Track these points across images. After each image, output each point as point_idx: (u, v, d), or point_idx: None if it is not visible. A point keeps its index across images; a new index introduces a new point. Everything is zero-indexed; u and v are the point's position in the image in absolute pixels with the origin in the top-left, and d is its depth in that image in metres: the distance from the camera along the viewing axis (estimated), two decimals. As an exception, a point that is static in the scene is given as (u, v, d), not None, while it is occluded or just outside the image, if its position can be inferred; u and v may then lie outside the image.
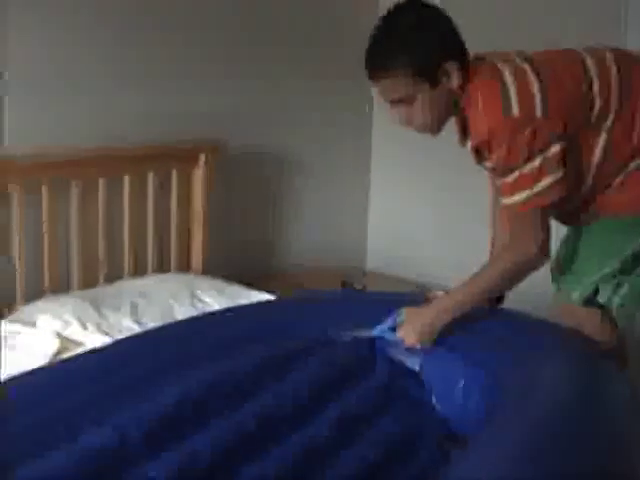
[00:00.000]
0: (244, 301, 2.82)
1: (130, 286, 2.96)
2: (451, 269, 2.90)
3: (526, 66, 1.99)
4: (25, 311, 2.69)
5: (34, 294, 2.81)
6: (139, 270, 3.16)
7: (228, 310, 2.56)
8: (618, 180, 2.05)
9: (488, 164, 2.04)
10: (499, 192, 2.06)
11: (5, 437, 1.64)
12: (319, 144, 3.78)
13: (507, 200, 2.01)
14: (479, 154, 2.04)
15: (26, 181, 2.76)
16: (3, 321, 2.56)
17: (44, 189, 2.80)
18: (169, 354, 2.11)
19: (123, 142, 3.03)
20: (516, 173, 1.95)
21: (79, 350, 2.40)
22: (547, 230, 2.01)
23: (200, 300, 2.89)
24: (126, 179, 3.04)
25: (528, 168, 1.93)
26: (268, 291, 2.98)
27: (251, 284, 3.10)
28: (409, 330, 2.12)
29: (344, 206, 4.01)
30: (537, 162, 1.92)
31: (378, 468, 1.78)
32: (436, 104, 2.00)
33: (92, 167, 2.94)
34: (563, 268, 2.20)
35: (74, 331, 2.56)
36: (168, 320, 2.61)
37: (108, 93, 3.01)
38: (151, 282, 3.02)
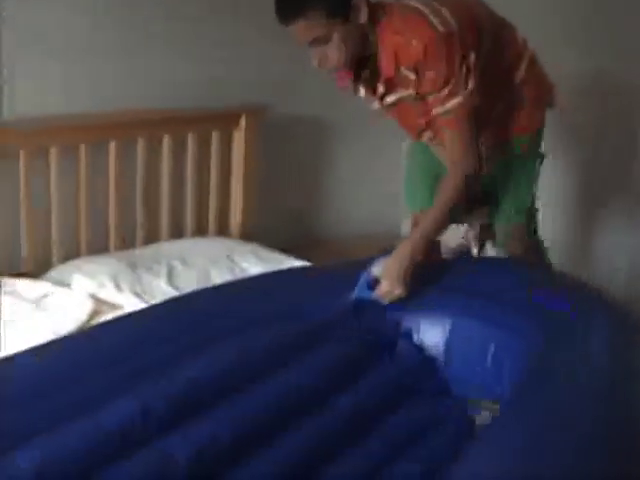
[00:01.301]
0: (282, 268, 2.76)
1: (167, 249, 2.92)
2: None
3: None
4: (60, 271, 2.67)
5: (71, 257, 2.78)
6: (177, 233, 3.12)
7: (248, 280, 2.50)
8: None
9: (409, 90, 2.14)
10: (431, 106, 2.14)
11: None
12: (361, 111, 3.69)
13: (440, 109, 2.12)
14: (390, 85, 2.16)
15: (64, 140, 2.72)
16: (37, 281, 2.53)
17: (82, 148, 2.76)
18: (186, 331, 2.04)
19: (164, 105, 2.98)
20: (452, 81, 2.07)
21: (113, 313, 2.36)
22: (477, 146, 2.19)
23: (238, 266, 2.84)
24: (165, 140, 2.99)
25: (460, 75, 2.08)
26: (306, 259, 2.92)
27: (290, 251, 3.04)
28: (388, 284, 2.11)
29: (382, 173, 3.92)
30: (464, 68, 2.08)
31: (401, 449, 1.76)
32: (350, 39, 2.06)
33: (131, 128, 2.90)
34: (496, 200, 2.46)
35: (109, 293, 2.53)
36: (204, 285, 2.56)
37: (156, 58, 2.98)
38: (189, 245, 2.97)
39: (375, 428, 1.81)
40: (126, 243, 2.95)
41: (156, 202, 3.03)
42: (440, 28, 2.03)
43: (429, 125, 2.29)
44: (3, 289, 2.41)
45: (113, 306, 2.46)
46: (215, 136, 3.12)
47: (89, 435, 1.53)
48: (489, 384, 2.01)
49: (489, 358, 2.03)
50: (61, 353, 1.91)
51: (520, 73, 2.32)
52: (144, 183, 2.97)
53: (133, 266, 2.70)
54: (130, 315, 2.19)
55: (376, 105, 2.28)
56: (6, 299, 2.35)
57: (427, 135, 2.37)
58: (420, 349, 2.11)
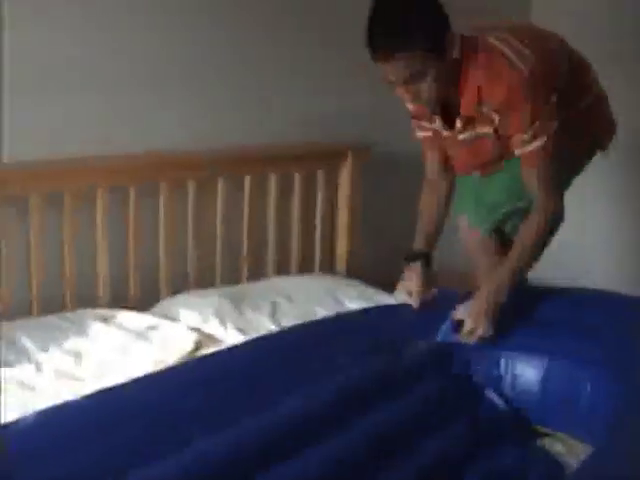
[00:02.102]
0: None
1: (273, 285, 2.93)
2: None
3: (505, 34, 2.10)
4: (167, 304, 2.71)
5: (179, 290, 2.83)
6: (283, 268, 3.13)
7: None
8: None
9: (488, 128, 2.12)
10: (515, 146, 2.11)
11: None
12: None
13: (522, 150, 2.09)
14: (469, 122, 2.13)
15: (176, 176, 2.79)
16: (143, 314, 2.57)
17: (190, 185, 2.82)
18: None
19: (271, 140, 3.02)
20: (536, 124, 2.05)
21: (215, 348, 2.38)
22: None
23: (343, 305, 2.82)
24: (272, 176, 3.02)
25: (543, 117, 2.05)
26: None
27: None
28: (472, 322, 2.09)
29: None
30: (547, 110, 2.06)
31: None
32: (443, 78, 2.03)
33: (238, 165, 2.94)
34: (474, 202, 2.42)
35: (213, 327, 2.55)
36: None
37: (260, 91, 3.03)
38: (293, 282, 2.98)
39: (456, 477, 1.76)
40: (232, 278, 2.98)
41: (262, 238, 3.06)
42: (524, 70, 2.02)
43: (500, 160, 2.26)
44: (112, 321, 2.46)
45: (216, 340, 2.48)
46: (321, 173, 3.13)
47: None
48: (578, 423, 1.98)
49: (583, 399, 1.99)
50: (158, 384, 1.95)
51: (579, 107, 2.26)
52: (249, 218, 3.00)
53: (237, 302, 2.71)
54: (231, 348, 2.23)
55: (443, 133, 2.24)
56: (112, 330, 2.40)
57: (477, 172, 2.36)
58: (506, 399, 2.08)
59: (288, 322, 2.61)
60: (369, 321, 2.37)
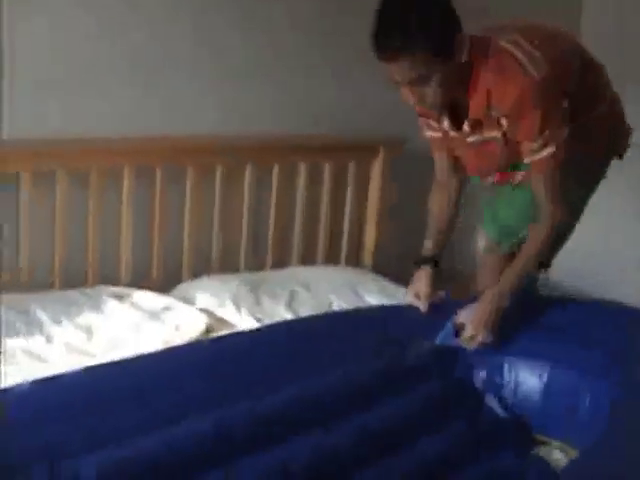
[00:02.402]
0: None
1: (294, 274, 2.94)
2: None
3: (515, 35, 2.04)
4: (186, 287, 2.74)
5: (201, 273, 2.86)
6: (309, 259, 3.14)
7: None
8: None
9: (496, 132, 2.08)
10: (524, 153, 2.08)
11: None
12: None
13: (532, 158, 2.06)
14: (477, 125, 2.09)
15: (203, 162, 2.83)
16: (159, 295, 2.61)
17: (219, 170, 2.85)
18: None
19: (301, 130, 3.03)
20: (546, 132, 2.01)
21: (227, 331, 2.40)
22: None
23: (361, 299, 2.82)
24: (301, 167, 3.03)
25: (554, 124, 2.01)
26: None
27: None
28: (473, 329, 2.09)
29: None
30: (558, 117, 2.02)
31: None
32: (450, 80, 1.98)
33: (267, 153, 2.96)
34: (498, 223, 2.40)
35: (228, 312, 2.57)
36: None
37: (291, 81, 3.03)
38: (316, 273, 2.98)
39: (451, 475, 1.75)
40: (257, 265, 3.00)
41: (289, 227, 3.07)
42: (535, 76, 1.97)
43: (508, 165, 2.23)
44: (127, 299, 2.50)
45: (229, 325, 2.50)
46: (352, 165, 3.13)
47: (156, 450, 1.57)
48: (578, 432, 1.95)
49: (583, 409, 1.98)
50: (161, 362, 1.97)
51: (596, 114, 2.21)
52: (276, 207, 3.01)
53: (256, 288, 2.73)
54: (239, 333, 2.25)
55: (450, 134, 2.21)
56: (125, 308, 2.44)
57: (491, 179, 2.32)
58: (506, 405, 2.06)
59: (304, 312, 2.62)
60: (375, 319, 2.36)
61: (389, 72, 1.96)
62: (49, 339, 2.25)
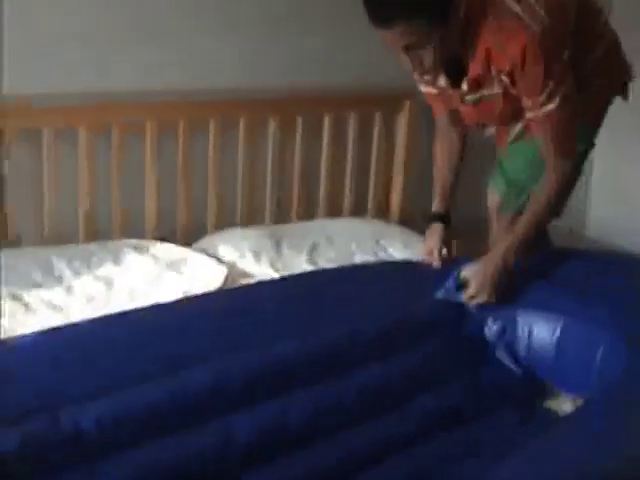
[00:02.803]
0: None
1: (318, 226, 2.95)
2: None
3: None
4: (210, 239, 2.77)
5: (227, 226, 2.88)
6: (336, 212, 3.14)
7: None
8: None
9: (495, 89, 2.05)
10: (527, 109, 2.05)
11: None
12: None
13: (536, 113, 2.03)
14: (476, 84, 2.06)
15: (223, 116, 2.83)
16: (179, 247, 2.64)
17: (241, 122, 2.86)
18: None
19: (327, 83, 3.01)
20: (549, 86, 1.97)
21: (245, 281, 2.43)
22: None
23: (383, 250, 2.82)
24: (326, 119, 3.02)
25: (556, 78, 1.98)
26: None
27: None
28: (476, 288, 2.07)
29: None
30: (560, 70, 1.98)
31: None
32: (445, 44, 1.95)
33: (291, 105, 2.95)
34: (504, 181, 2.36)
35: (248, 263, 2.60)
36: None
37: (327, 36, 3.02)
38: (340, 225, 2.99)
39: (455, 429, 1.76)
40: (282, 219, 3.01)
41: (314, 179, 3.07)
42: (535, 29, 1.92)
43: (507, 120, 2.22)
44: (147, 251, 2.54)
45: (248, 276, 2.52)
46: (378, 117, 3.11)
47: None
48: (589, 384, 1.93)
49: (595, 361, 1.94)
50: (170, 312, 2.00)
51: (594, 56, 2.16)
52: (301, 159, 3.01)
53: (278, 240, 2.75)
54: (253, 285, 2.27)
55: (444, 89, 2.18)
56: (145, 260, 2.48)
57: (490, 131, 2.31)
58: (517, 358, 2.05)
59: (325, 264, 2.63)
60: (386, 274, 2.36)
61: (383, 38, 1.92)
62: (69, 290, 2.30)
